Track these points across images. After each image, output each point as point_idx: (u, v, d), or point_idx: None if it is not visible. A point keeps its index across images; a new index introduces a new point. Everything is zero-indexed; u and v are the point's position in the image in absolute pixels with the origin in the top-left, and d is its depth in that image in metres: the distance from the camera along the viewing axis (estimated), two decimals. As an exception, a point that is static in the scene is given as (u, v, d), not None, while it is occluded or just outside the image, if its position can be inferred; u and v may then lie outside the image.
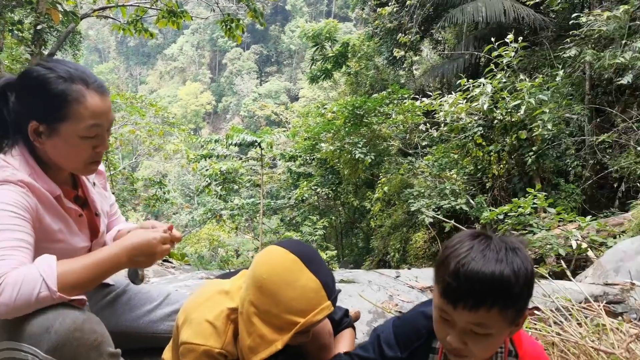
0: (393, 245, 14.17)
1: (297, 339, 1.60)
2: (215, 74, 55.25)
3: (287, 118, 22.66)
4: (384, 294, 2.95)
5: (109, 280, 2.09)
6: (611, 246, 6.18)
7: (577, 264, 6.32)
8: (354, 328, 1.99)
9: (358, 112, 13.08)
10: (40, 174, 1.70)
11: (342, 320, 1.94)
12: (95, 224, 1.90)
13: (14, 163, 1.67)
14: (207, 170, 16.82)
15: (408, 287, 3.10)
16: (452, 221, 8.93)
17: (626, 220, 7.89)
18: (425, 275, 3.33)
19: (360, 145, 13.14)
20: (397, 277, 3.20)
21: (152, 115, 17.16)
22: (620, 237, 7.29)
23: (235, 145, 16.04)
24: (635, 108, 10.63)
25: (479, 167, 12.03)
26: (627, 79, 9.66)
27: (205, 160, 16.90)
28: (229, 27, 8.62)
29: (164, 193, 16.97)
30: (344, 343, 1.89)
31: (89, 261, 1.59)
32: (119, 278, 2.11)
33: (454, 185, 11.52)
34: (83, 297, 1.57)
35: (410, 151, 14.44)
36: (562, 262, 6.64)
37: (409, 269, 3.52)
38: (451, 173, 12.22)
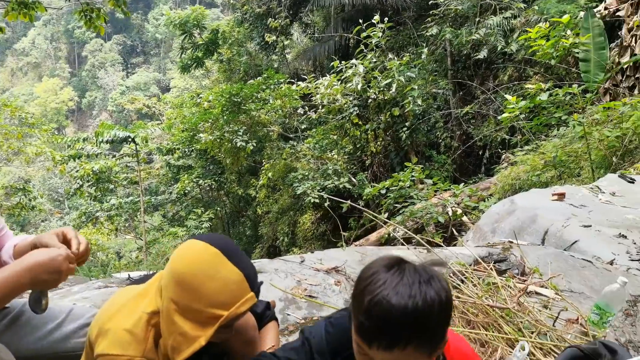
0: (282, 230, 14.31)
1: (220, 334, 1.56)
2: (75, 67, 51.32)
3: (160, 110, 21.76)
4: (292, 280, 2.98)
5: None
6: (483, 210, 6.72)
7: (453, 229, 6.78)
8: (276, 320, 2.00)
9: (235, 100, 12.92)
10: None
11: (265, 314, 1.94)
12: None
13: None
14: (77, 171, 15.81)
15: (314, 271, 3.15)
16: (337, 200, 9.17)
17: (492, 184, 8.61)
18: (328, 257, 3.40)
19: (240, 133, 13.02)
20: (302, 262, 3.23)
21: (8, 117, 15.77)
22: (488, 200, 7.95)
23: (107, 142, 15.18)
24: (491, 80, 11.57)
25: (357, 146, 12.46)
26: (482, 54, 10.46)
27: (74, 160, 15.88)
28: (88, 17, 8.06)
29: (30, 200, 15.75)
30: (269, 336, 1.89)
31: None
32: (14, 299, 1.94)
33: (335, 165, 11.84)
34: None
35: (291, 135, 14.59)
36: (440, 228, 7.13)
37: (312, 252, 3.58)
38: (332, 154, 12.55)
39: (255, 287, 1.54)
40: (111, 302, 1.69)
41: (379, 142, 11.98)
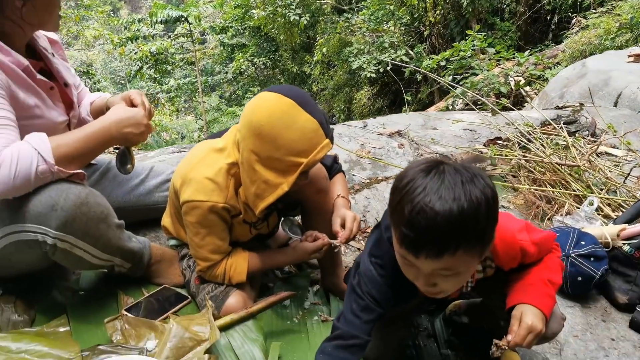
0: (337, 107, 14.25)
1: (297, 181, 1.63)
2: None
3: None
4: (355, 143, 3.02)
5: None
6: (549, 78, 6.42)
7: (515, 100, 6.56)
8: (343, 173, 2.05)
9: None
10: (1, 46, 1.54)
11: (333, 166, 1.99)
12: (67, 95, 1.81)
13: None
14: (135, 53, 15.92)
15: (377, 135, 3.18)
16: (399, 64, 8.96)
17: (560, 52, 8.15)
18: (391, 121, 3.41)
19: (293, 7, 12.63)
20: (365, 126, 3.25)
21: (63, 0, 15.80)
22: (555, 68, 7.56)
23: (161, 22, 15.06)
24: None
25: (415, 16, 11.89)
26: None
27: (132, 42, 15.94)
28: None
29: (94, 84, 16.14)
30: (338, 186, 1.95)
31: (81, 134, 1.54)
32: (100, 157, 2.07)
33: (392, 37, 11.41)
34: (82, 171, 1.54)
35: (344, 7, 14.03)
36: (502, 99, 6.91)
37: (375, 117, 3.56)
38: (388, 26, 12.05)
39: (329, 134, 1.58)
40: (191, 154, 1.77)
41: (437, 11, 11.38)
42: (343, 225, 1.77)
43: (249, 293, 1.84)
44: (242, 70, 16.83)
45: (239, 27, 16.08)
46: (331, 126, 1.65)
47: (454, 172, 1.13)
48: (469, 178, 1.12)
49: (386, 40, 11.28)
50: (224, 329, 1.68)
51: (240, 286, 1.82)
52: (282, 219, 1.94)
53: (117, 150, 1.84)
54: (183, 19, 14.86)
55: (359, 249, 2.39)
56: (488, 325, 1.73)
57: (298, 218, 2.03)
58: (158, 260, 1.93)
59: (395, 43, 11.31)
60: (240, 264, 1.78)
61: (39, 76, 1.64)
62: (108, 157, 2.16)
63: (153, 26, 15.54)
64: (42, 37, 1.80)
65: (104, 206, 1.60)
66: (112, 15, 19.89)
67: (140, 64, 15.98)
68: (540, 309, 1.32)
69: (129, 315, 1.70)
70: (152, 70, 16.33)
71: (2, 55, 1.51)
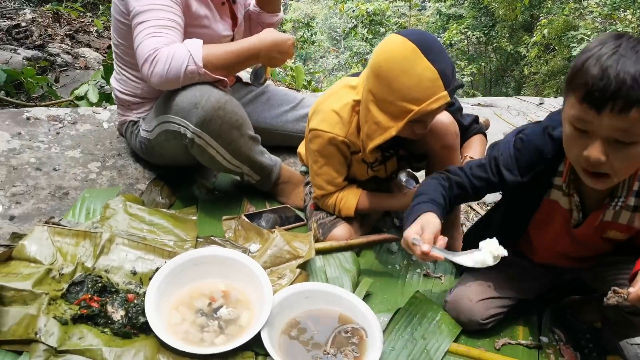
0: (547, 95, 13.27)
1: (414, 129, 1.63)
2: None
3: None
4: (522, 118, 2.85)
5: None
6: None
7: None
8: (484, 135, 1.98)
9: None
10: None
11: (471, 127, 1.94)
12: (234, 13, 2.00)
13: None
14: (353, 11, 16.43)
15: (551, 114, 2.96)
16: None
17: None
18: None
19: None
20: (541, 104, 3.04)
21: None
22: None
23: (384, -16, 15.32)
24: None
25: (661, 6, 10.43)
26: None
27: (352, 1, 16.46)
28: None
29: (312, 35, 17.06)
30: (473, 148, 1.89)
31: (232, 48, 1.72)
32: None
33: (627, 27, 10.18)
34: (225, 78, 1.72)
35: (578, -13, 12.81)
36: None
37: (555, 97, 3.26)
38: (625, 14, 10.76)
39: (450, 85, 1.53)
40: (330, 88, 1.86)
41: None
42: None
43: (356, 228, 1.91)
44: (453, 41, 16.41)
45: (460, -3, 15.65)
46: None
47: None
48: None
49: (619, 29, 10.11)
50: (322, 253, 1.78)
51: (349, 220, 1.89)
52: (400, 166, 1.94)
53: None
54: (404, -18, 14.93)
55: (477, 212, 2.31)
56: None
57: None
58: (285, 181, 2.08)
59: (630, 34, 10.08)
60: (350, 199, 1.85)
61: None
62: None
63: (375, -14, 15.86)
64: None
65: (240, 115, 1.78)
66: (341, -28, 20.66)
67: (355, 22, 16.45)
68: None
69: (245, 219, 1.88)
70: (366, 30, 16.74)
71: None
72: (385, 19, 16.74)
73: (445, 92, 1.52)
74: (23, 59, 3.98)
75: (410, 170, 1.93)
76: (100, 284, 1.53)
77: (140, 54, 1.64)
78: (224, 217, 1.86)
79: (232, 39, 1.99)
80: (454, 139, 1.82)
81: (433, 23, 18.48)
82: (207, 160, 1.84)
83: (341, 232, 1.86)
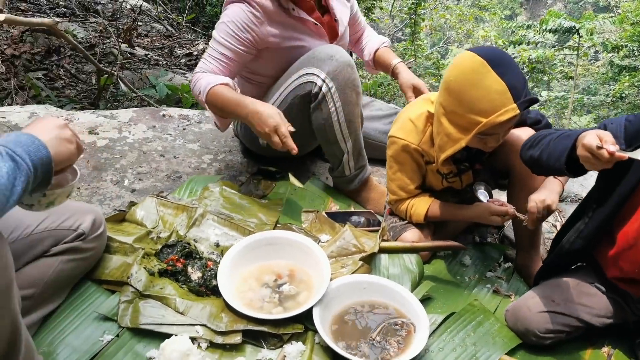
0: None
1: (486, 142, 1.67)
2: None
3: (617, 2, 19.51)
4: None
5: None
6: None
7: None
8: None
9: None
10: None
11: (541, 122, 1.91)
12: (335, 28, 2.20)
13: None
14: (515, 57, 16.04)
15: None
16: None
17: None
18: None
19: None
20: None
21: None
22: None
23: (550, 31, 14.70)
24: None
25: None
26: None
27: (515, 47, 16.08)
28: None
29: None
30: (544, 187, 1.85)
31: (229, 97, 1.93)
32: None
33: None
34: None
35: None
36: None
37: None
38: None
39: (520, 98, 1.55)
40: (420, 97, 1.99)
41: None
42: None
43: (427, 235, 1.97)
44: (623, 94, 15.25)
45: (635, 48, 14.53)
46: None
47: None
48: None
49: None
50: (388, 252, 1.87)
51: (421, 226, 1.96)
52: (476, 180, 1.96)
53: None
54: (575, 30, 14.26)
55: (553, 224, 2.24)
56: None
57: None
58: (371, 188, 2.21)
59: None
60: (420, 206, 1.92)
61: (301, 15, 2.05)
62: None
63: (541, 33, 15.34)
64: None
65: (359, 83, 2.06)
66: (508, 19, 20.35)
67: (517, 69, 16.03)
68: None
69: (324, 214, 2.04)
70: (527, 77, 16.22)
71: None
72: (550, 67, 16.09)
73: (514, 105, 1.54)
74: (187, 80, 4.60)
75: (486, 184, 1.94)
76: (187, 250, 1.79)
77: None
78: (303, 209, 2.03)
79: None
80: None
81: (603, 74, 17.35)
82: (323, 120, 2.03)
83: (410, 236, 1.93)
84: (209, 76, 1.96)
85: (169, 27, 7.59)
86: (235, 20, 1.97)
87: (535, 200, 1.66)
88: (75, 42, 3.81)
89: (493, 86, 1.54)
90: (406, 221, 1.98)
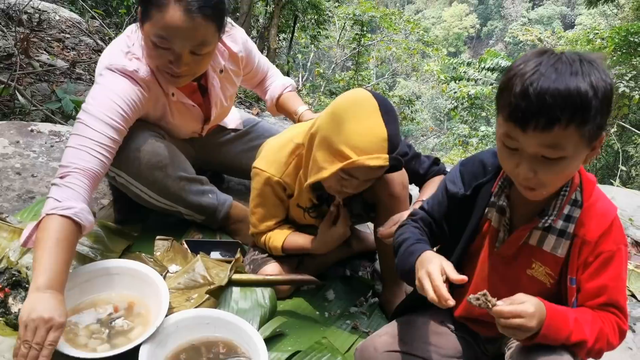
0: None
1: (342, 184, 1.60)
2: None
3: (553, 45, 20.42)
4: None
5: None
6: None
7: None
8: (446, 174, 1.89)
9: (632, 40, 11.22)
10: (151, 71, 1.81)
11: (429, 170, 1.86)
12: (209, 111, 2.06)
13: (137, 52, 1.79)
14: (455, 92, 16.49)
15: None
16: None
17: None
18: None
19: (627, 78, 11.37)
20: None
21: (408, 33, 17.30)
22: None
23: (489, 69, 15.31)
24: None
25: None
26: None
27: (456, 82, 16.56)
28: None
29: (412, 112, 17.26)
30: (428, 191, 1.81)
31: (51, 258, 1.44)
32: (250, 117, 2.38)
33: None
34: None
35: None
36: None
37: None
38: None
39: (392, 153, 1.51)
40: (290, 127, 1.90)
41: None
42: None
43: (289, 269, 1.87)
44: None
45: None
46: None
47: (572, 54, 1.12)
48: (588, 61, 1.10)
49: None
50: (240, 284, 1.75)
51: (282, 259, 1.86)
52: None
53: None
54: (511, 70, 14.80)
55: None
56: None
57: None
58: (239, 220, 2.09)
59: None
60: (277, 238, 1.82)
61: (182, 99, 1.92)
62: (255, 119, 2.42)
63: (480, 71, 15.86)
64: (224, 51, 1.98)
65: (164, 156, 1.83)
66: (452, 57, 20.95)
67: (455, 103, 16.48)
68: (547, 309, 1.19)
69: (183, 243, 1.91)
70: (466, 112, 16.69)
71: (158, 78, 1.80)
72: (488, 103, 16.60)
73: (387, 156, 1.49)
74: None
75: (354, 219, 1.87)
76: (15, 278, 1.62)
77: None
78: (157, 237, 1.90)
79: (200, 133, 2.14)
80: (400, 189, 1.76)
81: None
82: (136, 197, 1.88)
83: (271, 270, 1.83)
84: (75, 198, 1.53)
85: (99, 42, 7.38)
86: (122, 96, 1.70)
87: (394, 218, 1.68)
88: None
89: (376, 129, 1.49)
90: (267, 254, 1.88)
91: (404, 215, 1.67)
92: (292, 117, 2.22)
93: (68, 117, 3.98)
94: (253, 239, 1.92)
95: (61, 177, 1.56)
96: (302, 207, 1.82)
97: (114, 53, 1.81)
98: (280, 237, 1.81)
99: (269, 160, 1.76)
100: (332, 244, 1.76)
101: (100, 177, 1.63)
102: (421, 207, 1.55)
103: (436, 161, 1.89)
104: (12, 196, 2.05)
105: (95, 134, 1.62)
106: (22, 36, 4.58)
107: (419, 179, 1.89)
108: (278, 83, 2.30)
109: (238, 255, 1.84)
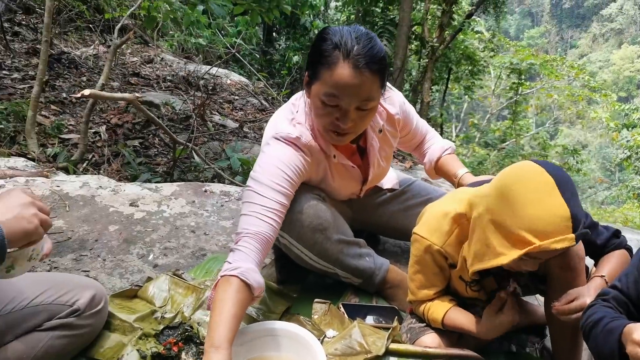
0: None
1: (524, 263, 1.48)
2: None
3: None
4: None
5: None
6: None
7: None
8: (628, 249, 1.69)
9: None
10: (318, 132, 1.89)
11: (609, 243, 1.68)
12: (367, 172, 2.08)
13: (301, 118, 1.88)
14: (628, 141, 15.11)
15: None
16: None
17: None
18: None
19: None
20: None
21: (572, 79, 16.32)
22: None
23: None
24: None
25: None
26: None
27: (628, 130, 15.22)
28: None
29: (577, 162, 16.10)
30: (607, 265, 1.64)
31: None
32: (404, 177, 2.36)
33: None
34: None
35: None
36: None
37: None
38: None
39: (578, 229, 1.38)
40: (451, 193, 1.85)
41: None
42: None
43: (449, 341, 1.77)
44: None
45: None
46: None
47: None
48: None
49: None
50: (397, 355, 1.70)
51: (442, 331, 1.77)
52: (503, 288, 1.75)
53: None
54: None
55: None
56: None
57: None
58: (395, 285, 2.05)
59: None
60: (437, 310, 1.74)
61: (341, 161, 1.96)
62: (411, 178, 2.40)
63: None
64: (382, 111, 2.03)
65: (325, 219, 1.87)
66: (622, 101, 19.34)
67: (629, 152, 15.07)
68: None
69: (340, 307, 1.91)
70: (641, 162, 15.17)
71: (319, 141, 1.89)
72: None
73: (573, 235, 1.37)
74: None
75: (518, 286, 1.73)
76: (188, 334, 1.73)
77: None
78: (315, 300, 1.92)
79: (359, 193, 2.16)
80: (576, 261, 1.60)
81: None
82: (296, 258, 1.95)
83: (430, 341, 1.74)
84: (246, 260, 1.62)
85: (264, 102, 7.97)
86: (287, 163, 1.78)
87: (572, 293, 1.54)
88: (153, 115, 4.04)
89: (557, 210, 1.36)
90: (425, 323, 1.81)
91: (583, 290, 1.53)
92: (452, 180, 2.16)
93: (235, 173, 4.31)
94: (411, 305, 1.87)
95: (235, 243, 1.66)
96: (465, 280, 1.73)
97: (279, 121, 1.92)
98: (440, 310, 1.74)
99: (431, 228, 1.71)
100: (497, 332, 1.64)
101: (271, 240, 1.70)
102: (612, 286, 1.41)
103: (617, 233, 1.69)
104: (187, 253, 2.23)
105: (264, 200, 1.70)
106: (200, 101, 5.05)
107: (597, 251, 1.70)
108: (437, 146, 2.26)
109: (395, 323, 1.80)
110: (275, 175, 1.75)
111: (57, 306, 1.53)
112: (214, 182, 4.17)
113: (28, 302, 1.51)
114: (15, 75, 6.04)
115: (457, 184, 2.10)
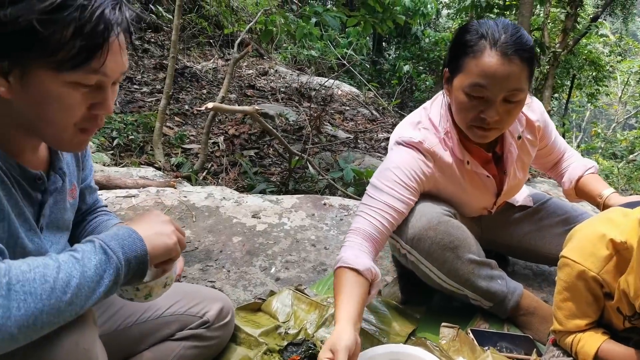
0: None
1: None
2: None
3: None
4: None
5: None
6: None
7: None
8: None
9: None
10: (454, 135, 1.82)
11: None
12: (502, 182, 1.96)
13: (435, 119, 1.84)
14: None
15: None
16: None
17: None
18: None
19: None
20: None
21: None
22: None
23: None
24: None
25: None
26: None
27: None
28: None
29: None
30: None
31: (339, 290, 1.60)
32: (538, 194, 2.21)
33: None
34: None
35: None
36: None
37: None
38: None
39: None
40: (603, 213, 1.67)
41: None
42: None
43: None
44: None
45: None
46: None
47: None
48: None
49: None
50: (536, 391, 1.56)
51: (587, 367, 1.60)
52: None
53: None
54: None
55: None
56: None
57: None
58: (530, 312, 1.89)
59: None
60: (590, 343, 1.57)
61: (474, 168, 1.87)
62: (545, 195, 2.23)
63: None
64: (522, 117, 1.92)
65: (456, 237, 1.76)
66: None
67: None
68: None
69: (469, 332, 1.80)
70: None
71: (448, 148, 1.82)
72: None
73: None
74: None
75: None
76: (312, 351, 1.71)
77: None
78: (443, 324, 1.81)
79: (494, 204, 2.03)
80: None
81: None
82: (424, 276, 1.85)
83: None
84: (351, 250, 1.66)
85: (374, 112, 7.93)
86: (402, 167, 1.77)
87: None
88: (270, 127, 4.12)
89: None
90: (571, 357, 1.64)
91: None
92: (596, 202, 1.96)
93: (347, 185, 4.29)
94: (553, 336, 1.71)
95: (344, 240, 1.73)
96: (623, 314, 1.55)
97: (404, 126, 1.90)
98: (594, 343, 1.56)
99: (584, 252, 1.54)
100: None
101: (376, 239, 1.70)
102: None
103: None
104: (308, 267, 2.21)
105: (372, 201, 1.74)
106: (316, 114, 5.10)
107: None
108: (578, 164, 2.07)
109: (534, 356, 1.65)
110: (386, 178, 1.77)
111: (188, 317, 1.57)
112: (325, 192, 4.19)
113: (162, 312, 1.55)
114: (145, 89, 6.47)
115: (603, 206, 1.91)
